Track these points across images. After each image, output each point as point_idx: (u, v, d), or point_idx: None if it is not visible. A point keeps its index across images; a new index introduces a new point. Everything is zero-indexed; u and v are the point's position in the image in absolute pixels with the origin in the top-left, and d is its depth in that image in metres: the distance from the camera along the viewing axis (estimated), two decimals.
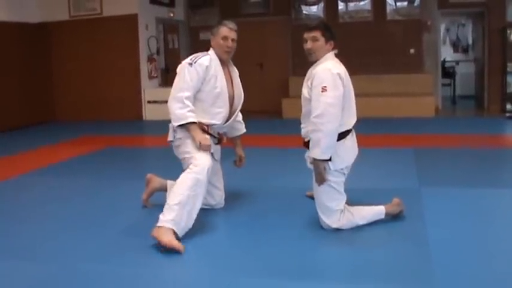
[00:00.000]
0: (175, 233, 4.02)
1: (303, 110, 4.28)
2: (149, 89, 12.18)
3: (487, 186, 5.64)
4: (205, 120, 4.51)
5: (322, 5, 12.95)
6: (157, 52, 12.67)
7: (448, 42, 16.44)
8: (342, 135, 4.17)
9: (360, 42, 12.69)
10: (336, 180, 4.22)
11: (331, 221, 4.25)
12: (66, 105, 12.89)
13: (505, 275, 3.43)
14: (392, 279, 3.44)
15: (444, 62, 14.80)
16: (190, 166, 4.25)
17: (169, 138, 4.59)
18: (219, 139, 4.77)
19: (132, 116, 12.27)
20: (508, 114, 11.45)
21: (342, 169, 4.22)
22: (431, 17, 12.68)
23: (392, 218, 4.42)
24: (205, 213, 4.66)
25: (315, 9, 12.95)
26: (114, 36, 12.22)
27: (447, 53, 15.93)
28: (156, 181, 5.07)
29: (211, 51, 4.68)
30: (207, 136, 4.47)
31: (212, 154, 4.51)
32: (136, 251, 4.02)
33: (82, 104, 12.72)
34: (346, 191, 4.32)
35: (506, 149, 8.26)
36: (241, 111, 5.01)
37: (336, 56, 4.34)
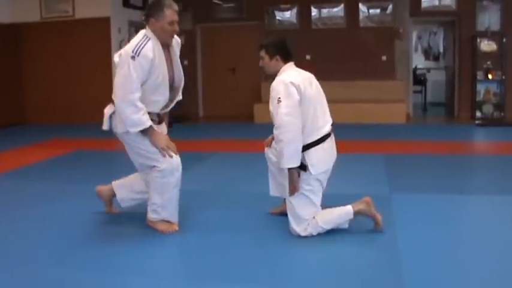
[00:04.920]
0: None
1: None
2: None
3: (457, 192, 5.70)
4: None
5: (295, 10, 12.99)
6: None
7: (419, 50, 16.61)
8: (317, 142, 4.22)
9: (333, 48, 12.75)
10: (310, 188, 4.23)
11: (300, 229, 4.26)
12: (37, 107, 12.76)
13: (473, 281, 3.46)
14: (362, 285, 3.45)
15: (416, 69, 14.93)
16: (157, 171, 4.28)
17: (105, 127, 4.45)
18: (159, 121, 4.56)
19: (103, 119, 12.15)
20: (477, 122, 11.61)
21: (316, 176, 4.23)
22: (403, 25, 12.78)
23: (375, 226, 4.38)
24: None
25: (288, 15, 12.97)
26: (86, 38, 12.12)
27: (419, 61, 16.08)
28: (105, 189, 4.99)
29: (150, 34, 4.25)
30: (166, 135, 4.36)
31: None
32: (103, 256, 4.00)
33: (53, 106, 12.60)
34: None
35: (475, 155, 8.36)
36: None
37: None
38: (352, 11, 12.88)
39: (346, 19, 12.95)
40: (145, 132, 4.21)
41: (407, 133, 10.64)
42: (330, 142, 4.36)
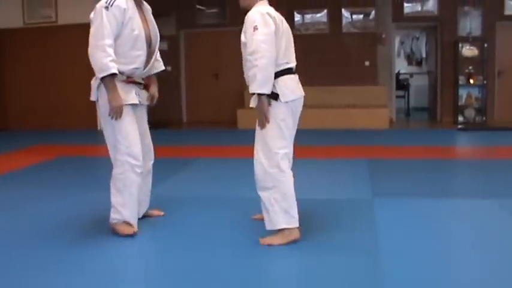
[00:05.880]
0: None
1: (243, 56, 4.29)
2: None
3: (439, 196, 5.71)
4: (125, 66, 4.32)
5: None
6: None
7: (402, 55, 16.71)
8: (285, 72, 4.22)
9: (316, 54, 12.78)
10: (283, 117, 4.17)
11: (270, 163, 4.13)
12: (20, 113, 12.71)
13: (456, 285, 3.47)
14: None
15: (398, 74, 15.01)
16: (120, 161, 4.36)
17: (93, 97, 4.44)
18: (144, 84, 4.66)
19: (87, 125, 12.15)
20: (459, 126, 11.70)
21: (286, 106, 4.18)
22: (386, 30, 12.85)
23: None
24: (152, 221, 4.76)
25: None
26: (69, 44, 12.06)
27: (401, 66, 16.17)
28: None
29: None
30: (122, 102, 4.32)
31: (140, 102, 4.53)
32: (82, 261, 3.97)
33: (36, 112, 12.55)
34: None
35: (457, 160, 8.41)
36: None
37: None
38: (335, 17, 12.94)
39: (329, 24, 13.01)
40: (107, 85, 4.23)
41: (390, 138, 10.69)
42: (296, 78, 4.35)
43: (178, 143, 10.21)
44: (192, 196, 5.82)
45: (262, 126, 4.16)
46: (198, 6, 13.51)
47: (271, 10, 4.21)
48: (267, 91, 4.07)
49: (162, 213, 5.03)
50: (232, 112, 12.56)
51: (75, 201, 5.74)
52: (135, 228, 4.46)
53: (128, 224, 4.46)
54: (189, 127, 13.00)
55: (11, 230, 4.80)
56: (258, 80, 4.03)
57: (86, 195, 5.86)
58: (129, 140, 4.35)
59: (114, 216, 4.48)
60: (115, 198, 4.46)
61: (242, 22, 4.17)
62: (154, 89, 4.81)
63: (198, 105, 13.75)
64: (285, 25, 4.31)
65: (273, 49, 4.07)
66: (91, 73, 4.34)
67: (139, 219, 4.70)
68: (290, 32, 4.38)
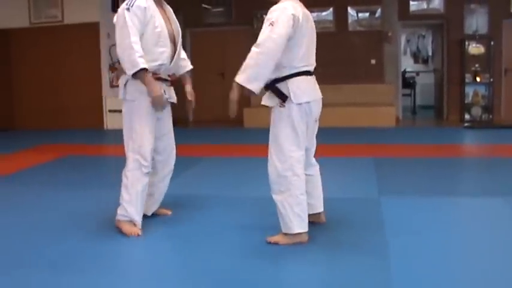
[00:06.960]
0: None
1: None
2: (110, 98, 11.97)
3: (446, 195, 5.70)
4: (150, 63, 4.40)
5: None
6: (119, 61, 12.43)
7: (408, 53, 16.68)
8: (301, 73, 4.11)
9: (322, 52, 12.57)
10: (298, 119, 4.06)
11: (283, 167, 4.04)
12: (26, 113, 12.74)
13: (464, 285, 3.46)
14: None
15: (405, 72, 14.98)
16: (131, 158, 4.45)
17: (121, 95, 4.55)
18: (171, 81, 4.78)
19: (93, 124, 12.16)
20: (466, 124, 11.67)
21: (299, 107, 4.06)
22: (392, 28, 12.83)
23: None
24: (160, 219, 4.79)
25: None
26: (75, 44, 12.10)
27: (407, 64, 16.14)
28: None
29: None
30: (162, 91, 4.48)
31: (167, 99, 4.66)
32: (92, 258, 3.97)
33: (42, 112, 12.57)
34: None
35: (464, 158, 8.39)
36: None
37: None
38: (341, 15, 12.93)
39: (335, 23, 13.00)
40: (143, 79, 4.35)
41: (396, 136, 10.67)
42: (313, 80, 4.27)
43: (185, 142, 10.16)
44: (198, 195, 5.81)
45: (232, 113, 4.21)
46: (203, 5, 13.51)
47: (298, 9, 4.03)
48: (253, 88, 3.96)
49: (169, 212, 5.04)
50: (239, 111, 12.43)
51: (82, 199, 5.76)
52: (139, 230, 4.46)
53: (133, 224, 4.47)
54: (195, 126, 12.99)
55: (20, 228, 4.81)
56: (248, 74, 3.95)
57: (93, 193, 5.87)
58: (141, 139, 4.43)
59: (119, 213, 4.52)
60: (123, 196, 4.50)
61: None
62: (189, 88, 5.14)
63: (205, 104, 13.70)
64: (310, 24, 4.19)
65: (279, 52, 3.91)
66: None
67: (148, 216, 4.73)
68: (314, 31, 4.28)
